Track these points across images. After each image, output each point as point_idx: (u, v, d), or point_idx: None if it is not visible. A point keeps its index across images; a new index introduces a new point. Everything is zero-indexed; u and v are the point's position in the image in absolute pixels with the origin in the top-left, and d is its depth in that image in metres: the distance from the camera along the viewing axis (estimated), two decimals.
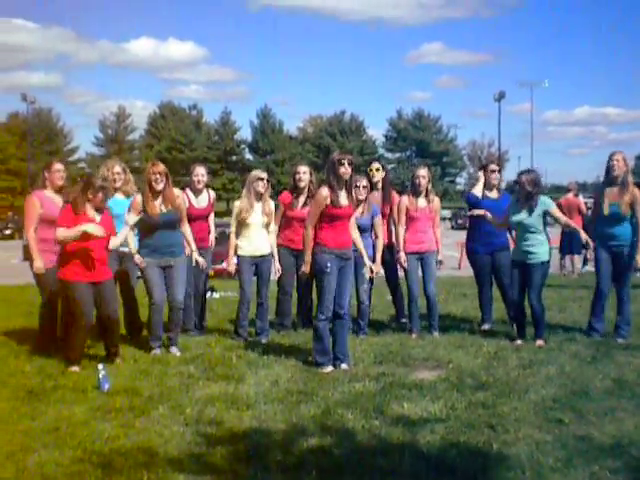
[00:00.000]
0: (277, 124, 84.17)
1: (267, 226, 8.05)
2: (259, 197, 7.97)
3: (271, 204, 8.09)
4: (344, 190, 6.67)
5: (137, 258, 7.34)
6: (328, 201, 6.59)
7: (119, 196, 7.92)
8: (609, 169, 7.83)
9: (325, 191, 6.63)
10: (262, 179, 7.97)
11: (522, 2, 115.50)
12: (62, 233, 6.58)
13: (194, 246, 7.70)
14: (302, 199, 8.34)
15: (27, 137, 64.35)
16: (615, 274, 7.91)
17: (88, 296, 6.72)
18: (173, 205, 7.34)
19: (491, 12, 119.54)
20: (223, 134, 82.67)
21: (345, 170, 6.57)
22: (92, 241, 6.61)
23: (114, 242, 6.96)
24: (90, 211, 6.74)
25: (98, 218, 6.76)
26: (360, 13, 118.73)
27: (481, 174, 8.71)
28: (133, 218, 7.23)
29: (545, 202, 7.59)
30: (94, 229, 6.53)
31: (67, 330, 7.34)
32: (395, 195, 8.73)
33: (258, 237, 8.01)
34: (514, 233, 8.19)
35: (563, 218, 7.88)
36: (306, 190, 8.31)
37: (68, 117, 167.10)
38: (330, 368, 6.61)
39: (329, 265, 6.64)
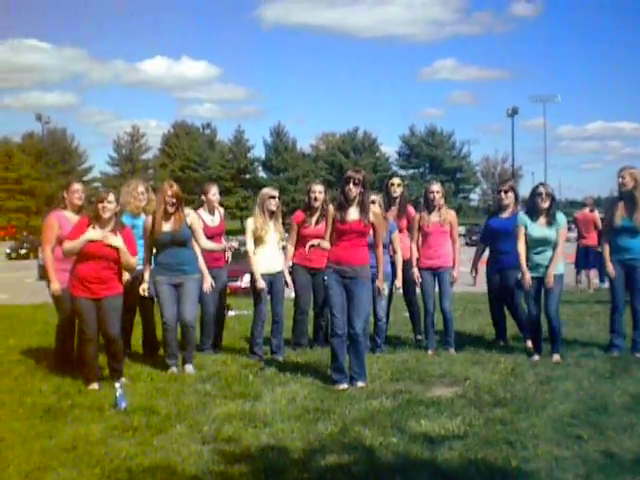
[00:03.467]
0: (290, 142, 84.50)
1: (280, 242, 8.12)
2: (272, 215, 8.02)
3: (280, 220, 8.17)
4: (355, 207, 6.72)
5: (141, 289, 7.42)
6: (333, 216, 6.74)
7: (143, 216, 7.86)
8: (619, 186, 7.83)
9: (331, 207, 6.81)
10: (274, 197, 8.02)
11: (535, 18, 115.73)
12: (67, 246, 6.71)
13: (204, 267, 7.67)
14: (315, 217, 8.35)
15: (42, 157, 64.80)
16: (629, 288, 7.87)
17: (88, 311, 6.76)
18: (181, 224, 7.36)
19: (504, 28, 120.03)
20: (236, 152, 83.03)
21: (349, 188, 6.65)
22: (95, 259, 6.68)
23: (133, 264, 6.98)
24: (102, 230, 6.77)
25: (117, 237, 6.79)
26: (373, 30, 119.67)
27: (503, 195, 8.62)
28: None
29: (563, 220, 7.56)
30: (94, 235, 6.62)
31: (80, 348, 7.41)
32: (412, 210, 8.73)
33: (274, 254, 8.04)
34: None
35: (560, 247, 7.60)
36: (320, 209, 8.33)
37: (82, 137, 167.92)
38: (345, 385, 6.61)
39: (326, 279, 6.77)
